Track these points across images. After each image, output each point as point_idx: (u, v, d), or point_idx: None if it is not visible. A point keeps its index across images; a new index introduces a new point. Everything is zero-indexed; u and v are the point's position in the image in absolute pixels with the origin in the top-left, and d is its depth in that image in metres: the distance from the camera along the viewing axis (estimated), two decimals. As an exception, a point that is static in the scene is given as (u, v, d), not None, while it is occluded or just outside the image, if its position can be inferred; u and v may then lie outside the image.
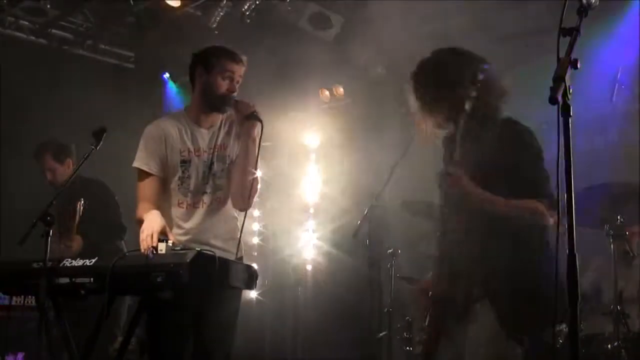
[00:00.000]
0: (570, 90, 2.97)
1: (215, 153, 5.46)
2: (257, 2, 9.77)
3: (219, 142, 5.48)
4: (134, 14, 10.64)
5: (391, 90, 10.30)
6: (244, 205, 5.41)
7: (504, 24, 9.44)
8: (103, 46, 11.59)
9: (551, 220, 4.31)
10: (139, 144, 5.47)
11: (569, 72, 2.98)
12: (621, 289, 6.33)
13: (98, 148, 5.36)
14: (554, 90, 2.91)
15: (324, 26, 10.17)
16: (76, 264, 4.79)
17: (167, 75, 12.05)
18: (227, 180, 5.47)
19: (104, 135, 5.35)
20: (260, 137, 5.35)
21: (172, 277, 4.36)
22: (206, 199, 5.43)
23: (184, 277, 4.31)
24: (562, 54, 3.07)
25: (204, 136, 5.50)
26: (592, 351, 6.38)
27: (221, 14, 10.05)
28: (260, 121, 5.33)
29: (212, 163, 5.45)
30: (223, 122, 5.55)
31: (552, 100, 2.92)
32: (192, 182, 5.40)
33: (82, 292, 4.70)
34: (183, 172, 5.38)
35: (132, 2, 10.17)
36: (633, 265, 7.25)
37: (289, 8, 9.95)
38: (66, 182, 5.11)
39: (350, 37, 9.95)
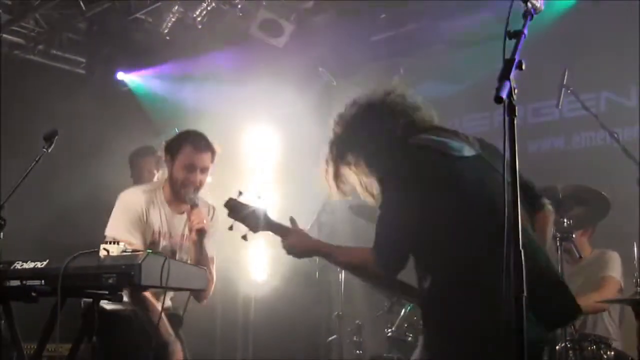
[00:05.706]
0: (516, 91, 3.00)
1: (183, 242, 5.53)
2: (209, 9, 9.76)
3: (186, 232, 5.52)
4: (86, 20, 10.59)
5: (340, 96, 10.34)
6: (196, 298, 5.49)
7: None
8: (54, 51, 11.48)
9: (374, 268, 4.12)
10: (115, 209, 5.53)
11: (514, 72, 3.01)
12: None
13: (50, 150, 5.31)
14: (498, 89, 2.94)
15: (275, 33, 10.15)
16: (27, 266, 4.75)
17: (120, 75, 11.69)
18: None
19: (56, 137, 5.31)
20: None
21: (123, 278, 4.36)
22: None
23: (135, 278, 4.31)
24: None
25: (174, 222, 5.60)
26: (538, 352, 6.45)
27: (172, 20, 10.03)
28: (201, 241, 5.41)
29: (175, 251, 5.54)
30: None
31: (497, 99, 2.94)
32: None
33: (33, 294, 4.67)
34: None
35: (83, 7, 10.13)
36: (578, 266, 7.35)
37: (240, 14, 9.94)
38: (16, 186, 5.04)
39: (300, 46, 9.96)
